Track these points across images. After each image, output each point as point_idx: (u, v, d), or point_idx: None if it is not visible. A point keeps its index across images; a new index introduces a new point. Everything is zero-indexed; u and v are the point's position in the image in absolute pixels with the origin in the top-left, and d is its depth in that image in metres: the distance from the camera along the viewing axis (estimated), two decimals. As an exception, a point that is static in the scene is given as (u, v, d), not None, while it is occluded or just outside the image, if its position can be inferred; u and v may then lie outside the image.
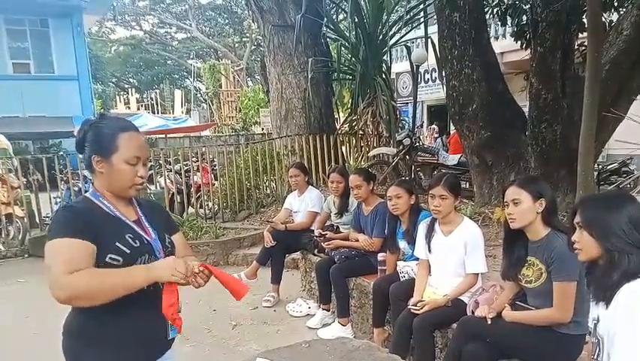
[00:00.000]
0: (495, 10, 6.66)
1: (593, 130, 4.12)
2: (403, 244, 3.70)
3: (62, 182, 8.58)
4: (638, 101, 5.61)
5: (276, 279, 4.96)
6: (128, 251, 1.60)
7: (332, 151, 8.83)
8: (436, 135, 13.87)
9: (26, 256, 7.45)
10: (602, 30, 5.09)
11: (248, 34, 31.74)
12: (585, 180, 4.18)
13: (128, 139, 1.65)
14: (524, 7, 6.15)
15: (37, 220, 7.98)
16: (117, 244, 1.59)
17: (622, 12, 5.82)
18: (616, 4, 5.80)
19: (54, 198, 8.51)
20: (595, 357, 1.74)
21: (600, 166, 9.09)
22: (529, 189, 2.44)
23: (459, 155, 8.06)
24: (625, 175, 8.38)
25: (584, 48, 5.64)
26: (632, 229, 1.66)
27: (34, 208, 7.98)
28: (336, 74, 9.62)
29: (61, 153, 13.11)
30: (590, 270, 1.80)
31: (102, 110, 25.00)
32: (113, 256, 1.58)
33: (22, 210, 7.82)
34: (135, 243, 1.64)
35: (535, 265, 2.48)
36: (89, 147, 1.66)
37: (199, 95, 34.33)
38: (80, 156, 1.71)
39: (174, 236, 1.85)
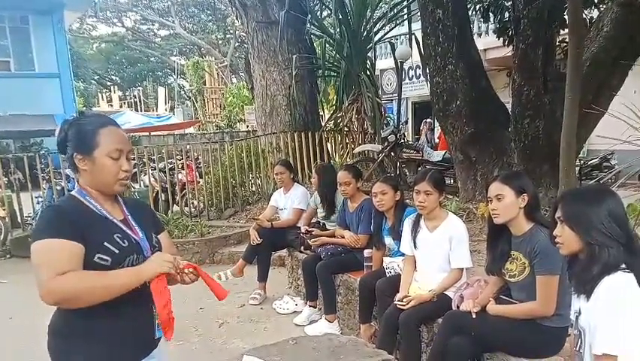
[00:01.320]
0: (478, 7, 6.71)
1: (574, 126, 4.16)
2: (388, 240, 3.72)
3: (44, 181, 8.48)
4: (619, 97, 5.69)
5: (263, 276, 4.95)
6: (117, 251, 1.59)
7: (317, 148, 8.83)
8: (432, 129, 13.76)
9: (8, 256, 7.34)
10: (583, 27, 5.16)
11: (231, 31, 31.52)
12: (567, 176, 4.22)
13: (108, 133, 1.64)
14: (506, 4, 6.22)
15: (19, 220, 7.87)
16: (105, 244, 1.58)
17: (602, 9, 5.90)
18: (596, 0, 5.87)
19: (36, 197, 8.41)
20: (577, 349, 1.78)
21: (582, 161, 9.22)
22: (512, 185, 2.47)
23: (443, 151, 8.12)
24: (606, 170, 8.52)
25: (565, 44, 5.70)
26: (611, 223, 1.69)
27: (15, 208, 7.85)
28: (320, 70, 9.61)
29: (43, 151, 12.91)
30: (571, 263, 1.84)
31: (84, 108, 24.69)
32: (102, 256, 1.56)
33: (4, 210, 7.69)
34: (124, 243, 1.63)
35: (518, 260, 2.51)
36: (71, 145, 1.64)
37: (183, 92, 34.02)
38: (63, 156, 1.70)
39: (160, 235, 1.84)
